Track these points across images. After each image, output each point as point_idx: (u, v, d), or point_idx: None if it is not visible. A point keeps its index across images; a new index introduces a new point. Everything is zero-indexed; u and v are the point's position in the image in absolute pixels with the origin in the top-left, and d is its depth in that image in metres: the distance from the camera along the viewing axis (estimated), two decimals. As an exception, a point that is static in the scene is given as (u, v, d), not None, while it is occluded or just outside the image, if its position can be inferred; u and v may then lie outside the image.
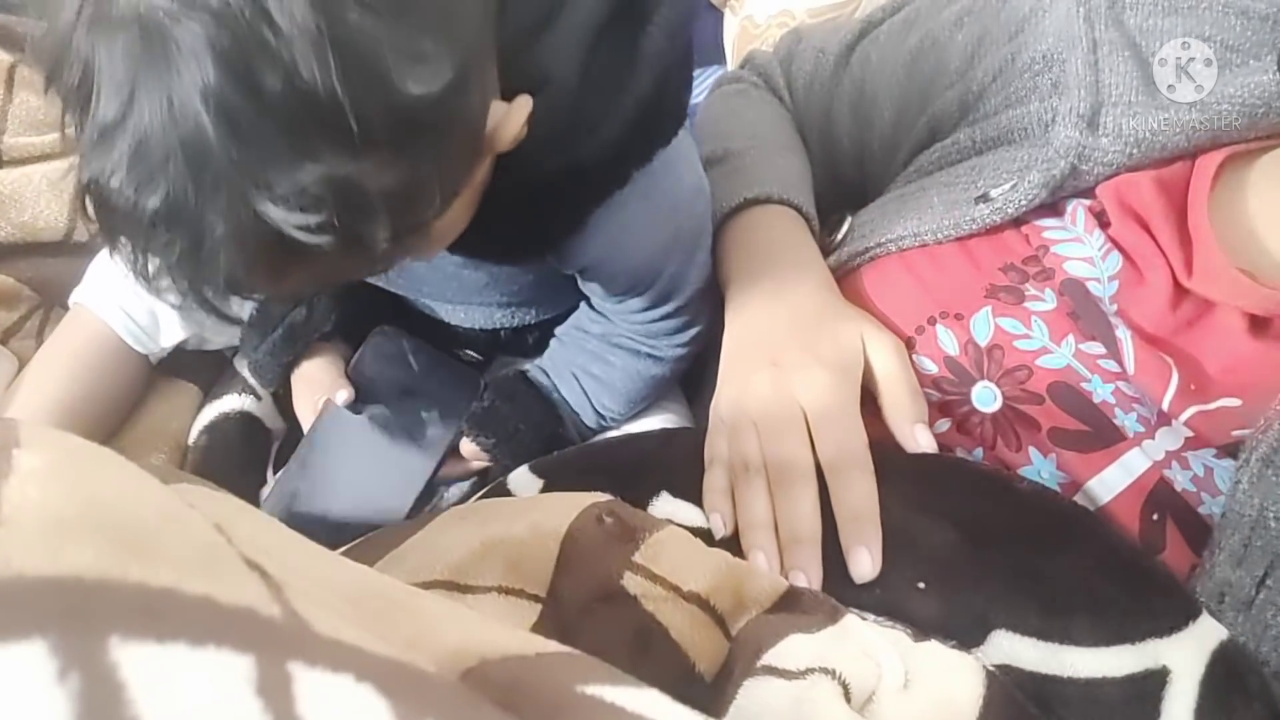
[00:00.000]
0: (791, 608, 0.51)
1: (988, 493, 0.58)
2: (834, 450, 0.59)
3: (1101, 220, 0.63)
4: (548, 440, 0.77)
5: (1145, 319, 0.61)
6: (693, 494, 0.61)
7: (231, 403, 0.86)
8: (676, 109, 0.63)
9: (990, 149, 0.70)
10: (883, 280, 0.69)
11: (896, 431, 0.62)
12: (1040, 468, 0.61)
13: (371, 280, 0.78)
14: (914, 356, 0.65)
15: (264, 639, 0.21)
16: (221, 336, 0.87)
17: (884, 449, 0.60)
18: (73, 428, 0.75)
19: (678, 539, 0.53)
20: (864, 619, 0.52)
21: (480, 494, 0.70)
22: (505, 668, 0.30)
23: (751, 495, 0.59)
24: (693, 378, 0.85)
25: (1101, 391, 0.61)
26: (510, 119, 0.53)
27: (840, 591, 0.54)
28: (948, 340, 0.64)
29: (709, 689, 0.47)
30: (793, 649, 0.46)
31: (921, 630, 0.52)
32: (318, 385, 0.79)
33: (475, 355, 0.86)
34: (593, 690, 0.30)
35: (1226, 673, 0.50)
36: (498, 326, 0.80)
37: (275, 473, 0.85)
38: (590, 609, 0.50)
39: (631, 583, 0.50)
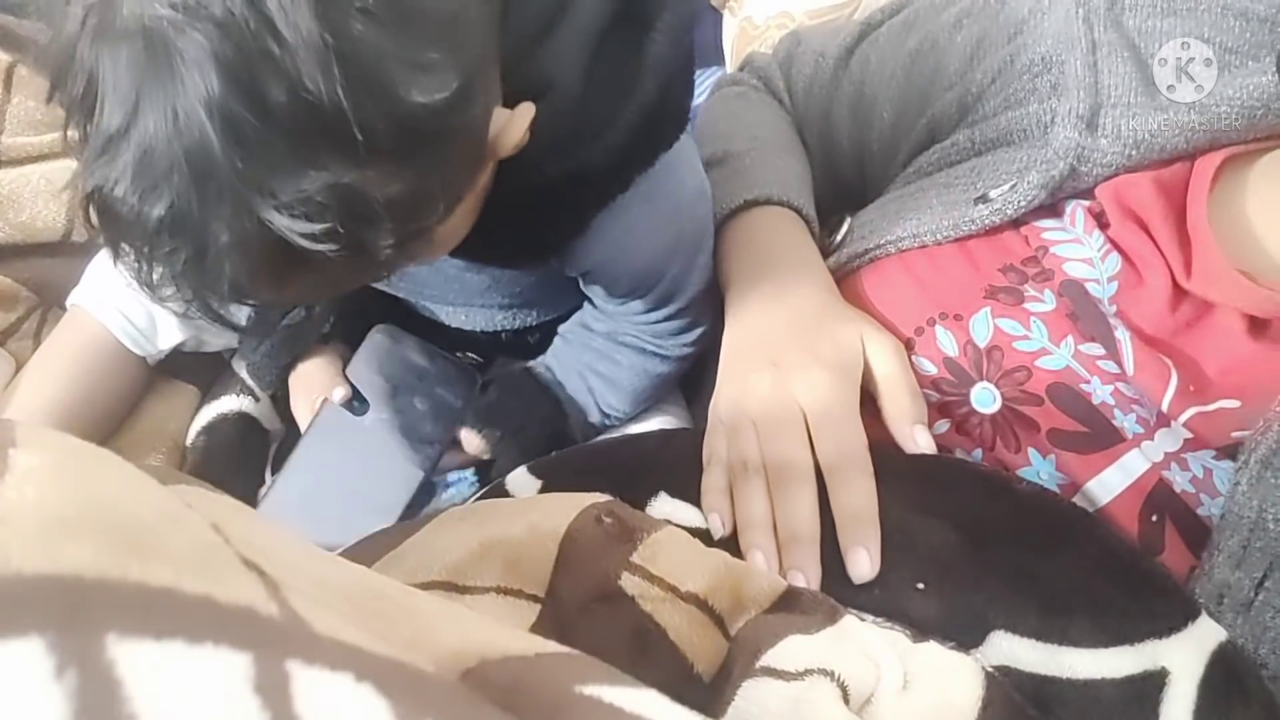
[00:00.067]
0: (790, 608, 0.51)
1: (987, 494, 0.58)
2: (833, 450, 0.59)
3: (1101, 221, 0.64)
4: (551, 437, 0.77)
5: (1144, 320, 0.61)
6: (691, 494, 0.61)
7: (229, 404, 0.86)
8: (679, 113, 0.63)
9: (989, 150, 0.70)
10: (882, 281, 0.69)
11: (896, 432, 0.62)
12: (1039, 469, 0.61)
13: (372, 284, 0.78)
14: (913, 357, 0.65)
15: (262, 637, 0.20)
16: (220, 339, 0.87)
17: (883, 450, 0.60)
18: (70, 429, 0.75)
19: (676, 539, 0.53)
20: (863, 620, 0.52)
21: (479, 495, 0.69)
22: (505, 668, 0.30)
23: (750, 495, 0.59)
24: (692, 379, 0.85)
25: (1101, 393, 0.61)
26: (513, 125, 0.53)
27: (839, 592, 0.54)
28: (947, 341, 0.64)
29: (707, 690, 0.47)
30: (791, 650, 0.46)
31: (920, 631, 0.51)
32: (315, 386, 0.79)
33: (475, 357, 0.86)
34: (592, 690, 0.30)
35: (1225, 674, 0.50)
36: (498, 329, 0.80)
37: (273, 474, 0.85)
38: (589, 609, 0.49)
39: (629, 583, 0.50)
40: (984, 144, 0.70)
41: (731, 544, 0.58)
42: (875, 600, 0.54)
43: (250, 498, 0.81)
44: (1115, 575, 0.53)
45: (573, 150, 0.57)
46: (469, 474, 0.83)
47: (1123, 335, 0.61)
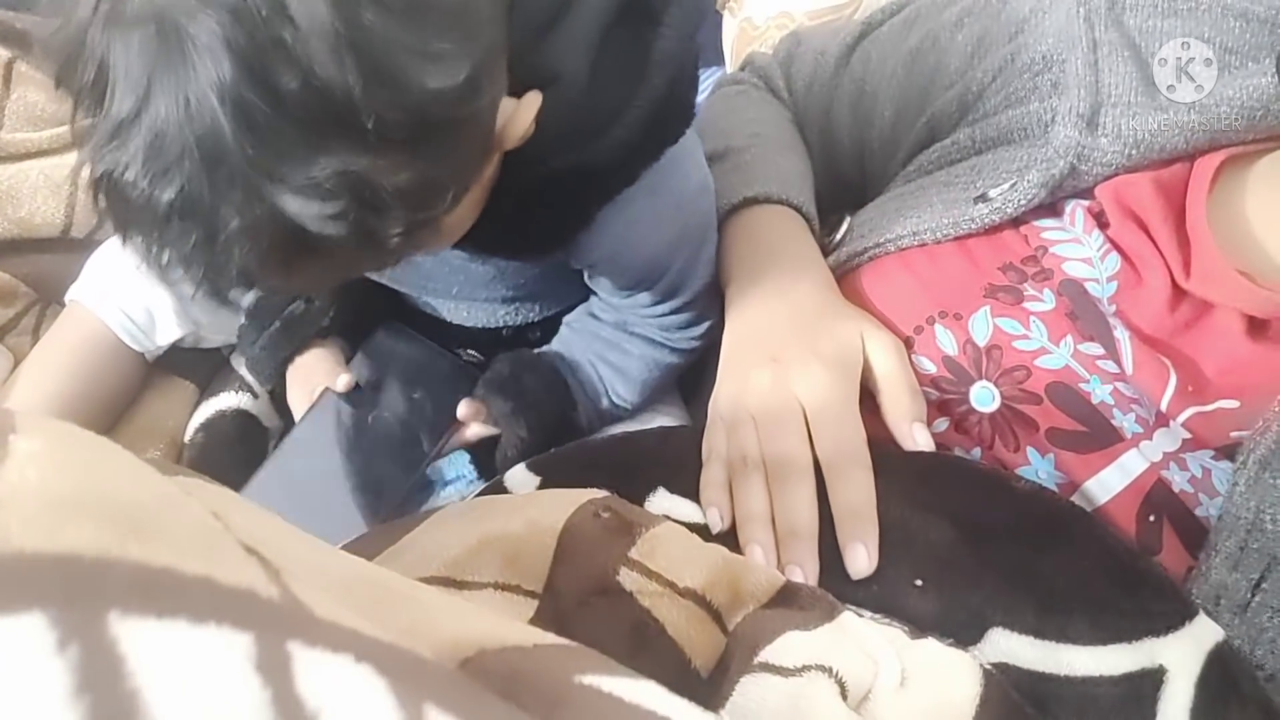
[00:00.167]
0: (788, 604, 0.51)
1: (985, 491, 0.58)
2: (832, 446, 0.59)
3: (1100, 221, 0.64)
4: (559, 421, 0.77)
5: (1144, 320, 0.61)
6: (690, 490, 0.61)
7: (228, 400, 0.86)
8: (685, 109, 0.64)
9: (990, 149, 0.70)
10: (882, 280, 0.69)
11: (895, 430, 0.62)
12: (1038, 468, 0.61)
13: (376, 276, 0.78)
14: (913, 356, 0.65)
15: (263, 618, 0.20)
16: (219, 334, 0.87)
17: (882, 447, 0.60)
18: (68, 423, 0.75)
19: (674, 534, 0.53)
20: (861, 616, 0.52)
21: (478, 492, 0.69)
22: (503, 658, 0.30)
23: (749, 490, 0.59)
24: (690, 378, 0.85)
25: (1100, 392, 0.61)
26: (519, 115, 0.53)
27: (837, 587, 0.54)
28: (946, 340, 0.64)
29: (705, 685, 0.47)
30: (789, 646, 0.46)
31: (919, 628, 0.52)
32: (314, 377, 0.79)
33: (477, 355, 0.86)
34: (591, 680, 0.30)
35: (1222, 673, 0.50)
36: (500, 324, 0.80)
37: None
38: (587, 604, 0.49)
39: (628, 578, 0.50)
40: (984, 143, 0.70)
41: (730, 538, 0.58)
42: (873, 596, 0.54)
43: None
44: (1113, 574, 0.53)
45: (579, 144, 0.58)
46: (469, 472, 0.83)
47: (1122, 335, 0.61)
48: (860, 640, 0.49)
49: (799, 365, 0.62)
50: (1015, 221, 0.66)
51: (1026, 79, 0.68)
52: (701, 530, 0.58)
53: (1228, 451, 0.59)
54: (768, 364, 0.63)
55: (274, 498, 0.74)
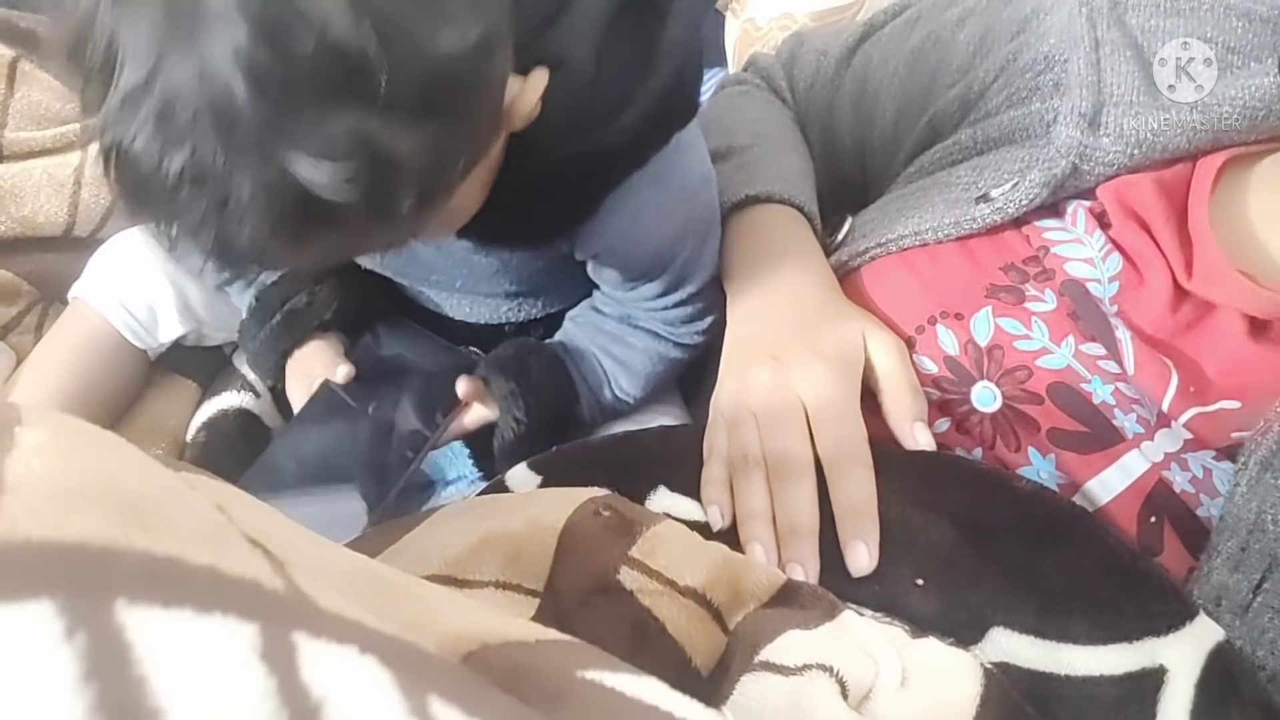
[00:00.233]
0: (789, 602, 0.51)
1: (986, 490, 0.58)
2: (833, 444, 0.59)
3: (1102, 221, 0.64)
4: (559, 413, 0.77)
5: (1145, 320, 0.61)
6: (691, 489, 0.61)
7: (230, 400, 0.86)
8: (691, 97, 0.65)
9: (991, 149, 0.70)
10: (883, 279, 0.69)
11: (896, 429, 0.62)
12: (1039, 468, 0.61)
13: (380, 269, 0.78)
14: (914, 356, 0.65)
15: (268, 609, 0.21)
16: (221, 332, 0.87)
17: (883, 446, 0.60)
18: (70, 421, 0.75)
19: (675, 533, 0.53)
20: (861, 615, 0.52)
21: (479, 492, 0.69)
22: (506, 653, 0.30)
23: (750, 487, 0.59)
24: (691, 377, 0.85)
25: (1101, 392, 0.61)
26: (526, 92, 0.54)
27: (838, 586, 0.54)
28: (948, 340, 0.64)
29: (705, 684, 0.47)
30: (790, 645, 0.46)
31: (919, 627, 0.52)
32: (314, 368, 0.79)
33: (479, 352, 0.86)
34: (593, 676, 0.30)
35: (1223, 673, 0.50)
36: (503, 320, 0.80)
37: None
38: (587, 603, 0.49)
39: (628, 577, 0.50)
40: (986, 143, 0.70)
41: (731, 536, 0.58)
42: (874, 595, 0.54)
43: (250, 495, 0.81)
44: (1114, 574, 0.53)
45: (585, 132, 0.58)
46: (470, 472, 0.83)
47: (1123, 335, 0.61)
48: (861, 639, 0.49)
49: (801, 363, 0.62)
50: (1017, 222, 0.66)
51: (1028, 78, 0.68)
52: (702, 528, 0.58)
53: (1229, 452, 0.59)
54: (769, 362, 0.64)
55: (272, 486, 0.74)
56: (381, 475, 0.76)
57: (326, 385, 0.77)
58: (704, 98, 1.00)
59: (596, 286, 0.77)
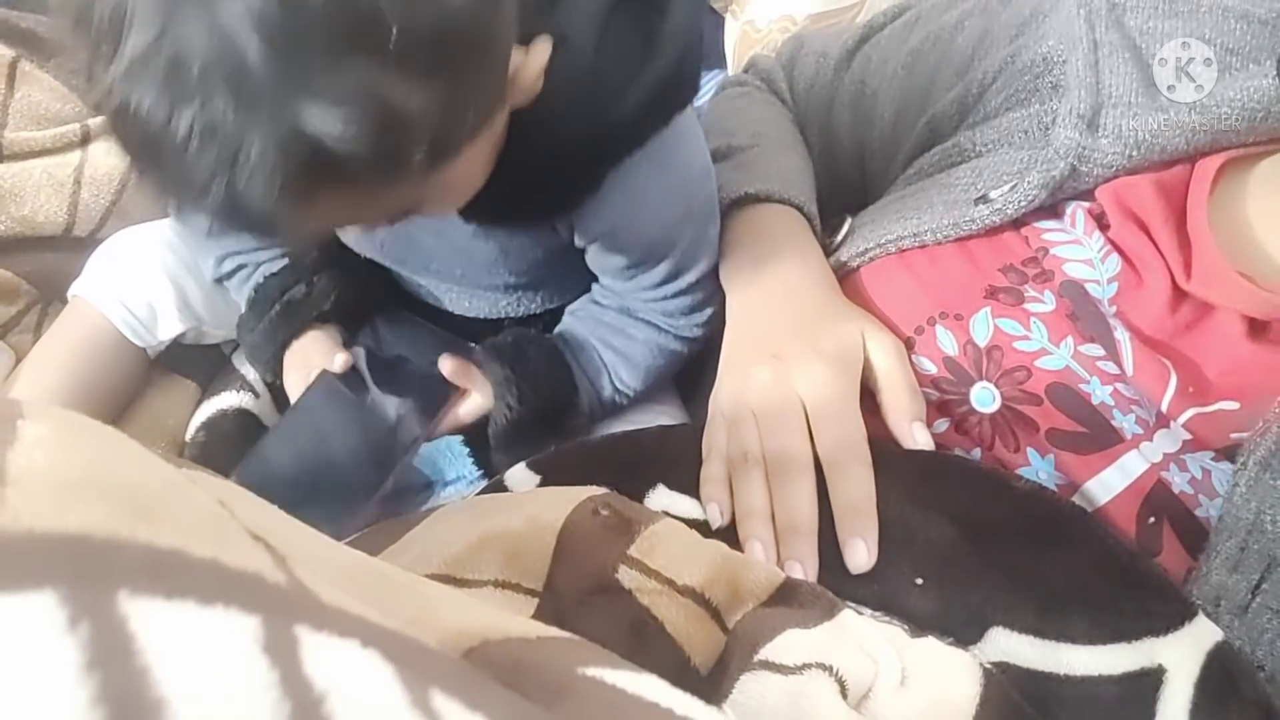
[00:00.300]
0: (788, 601, 0.51)
1: (985, 490, 0.58)
2: (832, 443, 0.59)
3: (1101, 223, 0.64)
4: (558, 406, 0.76)
5: (1144, 321, 0.61)
6: (690, 487, 0.61)
7: (229, 400, 0.86)
8: (691, 78, 0.65)
9: (990, 151, 0.70)
10: (882, 280, 0.69)
11: (895, 429, 0.62)
12: (1038, 469, 0.61)
13: (380, 257, 0.78)
14: (913, 356, 0.65)
15: (271, 602, 0.21)
16: (220, 329, 0.87)
17: (882, 446, 0.60)
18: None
19: (673, 531, 0.53)
20: (861, 614, 0.52)
21: (478, 491, 0.69)
22: (506, 649, 0.30)
23: (749, 485, 0.59)
24: (689, 377, 0.85)
25: (1100, 393, 0.61)
26: (530, 62, 0.54)
27: (837, 585, 0.54)
28: (947, 340, 0.64)
29: (704, 683, 0.47)
30: (789, 644, 0.46)
31: (919, 626, 0.52)
32: (311, 359, 0.78)
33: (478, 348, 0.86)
34: (593, 672, 0.30)
35: (1222, 673, 0.50)
36: (501, 315, 0.80)
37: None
38: (586, 602, 0.49)
39: (627, 576, 0.50)
40: (985, 144, 0.70)
41: (730, 534, 0.58)
42: (873, 594, 0.54)
43: (250, 493, 0.81)
44: (1113, 574, 0.53)
45: (586, 113, 0.59)
46: (469, 472, 0.82)
47: (1122, 336, 0.61)
48: (860, 638, 0.49)
49: (800, 362, 0.62)
50: (1016, 223, 0.66)
51: (1027, 80, 0.68)
52: (701, 526, 0.58)
53: (1228, 453, 0.59)
54: (769, 361, 0.64)
55: (269, 476, 0.74)
56: (378, 464, 0.76)
57: (324, 375, 0.77)
58: (704, 100, 1.00)
59: (595, 280, 0.77)
